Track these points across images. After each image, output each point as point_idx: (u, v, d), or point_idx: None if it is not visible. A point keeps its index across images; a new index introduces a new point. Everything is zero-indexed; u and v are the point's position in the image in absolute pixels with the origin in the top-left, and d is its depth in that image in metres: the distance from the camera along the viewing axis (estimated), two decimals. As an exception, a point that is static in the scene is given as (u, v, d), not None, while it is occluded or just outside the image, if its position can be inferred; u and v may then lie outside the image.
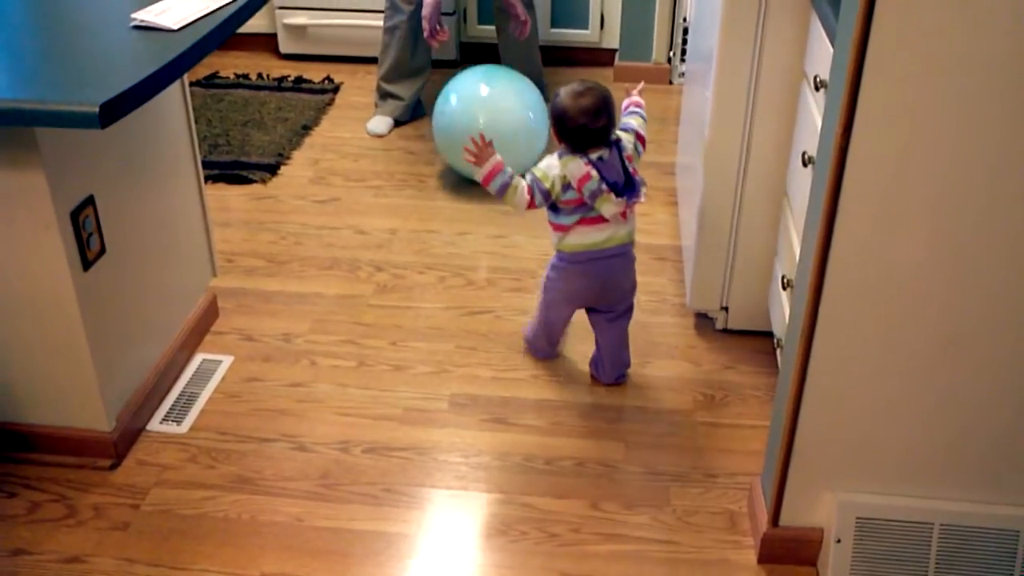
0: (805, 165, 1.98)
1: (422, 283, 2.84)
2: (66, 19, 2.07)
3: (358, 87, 4.10)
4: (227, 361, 2.51)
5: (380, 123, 3.74)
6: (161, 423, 2.31)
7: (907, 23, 1.43)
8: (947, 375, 1.71)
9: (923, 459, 1.80)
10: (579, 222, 2.22)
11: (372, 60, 3.88)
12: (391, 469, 2.19)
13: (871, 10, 1.43)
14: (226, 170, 3.41)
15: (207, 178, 2.90)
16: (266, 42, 4.40)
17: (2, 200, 1.89)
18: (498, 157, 2.22)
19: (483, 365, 2.51)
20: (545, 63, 3.85)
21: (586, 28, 4.24)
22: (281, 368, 2.50)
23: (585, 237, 2.24)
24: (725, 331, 2.62)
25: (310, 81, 4.14)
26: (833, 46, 1.67)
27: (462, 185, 3.31)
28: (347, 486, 2.14)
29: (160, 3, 2.02)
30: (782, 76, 2.24)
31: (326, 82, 4.14)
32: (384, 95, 3.76)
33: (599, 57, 4.24)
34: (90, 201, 2.00)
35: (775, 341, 2.33)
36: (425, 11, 3.38)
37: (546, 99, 3.20)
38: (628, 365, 2.46)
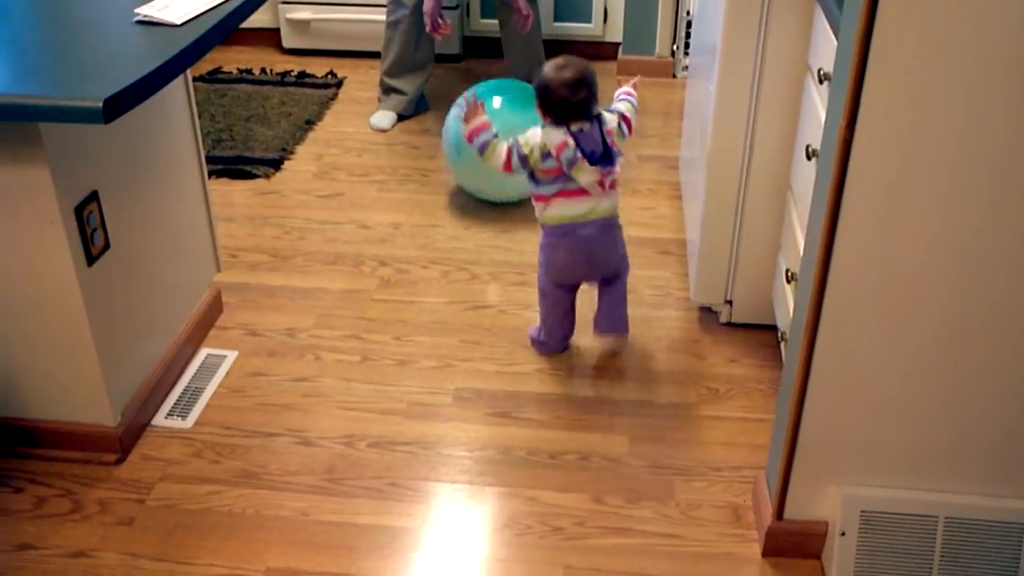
0: (809, 158, 1.97)
1: (426, 278, 2.84)
2: (70, 14, 2.07)
3: (361, 82, 4.10)
4: (231, 356, 2.52)
5: (383, 118, 3.73)
6: (166, 418, 2.31)
7: (911, 15, 1.43)
8: (952, 368, 1.70)
9: (928, 452, 1.79)
10: (559, 193, 2.29)
11: (375, 55, 3.87)
12: (396, 463, 2.19)
13: (875, 2, 1.42)
14: (230, 165, 3.41)
15: (211, 173, 2.89)
16: (269, 37, 4.40)
17: (6, 195, 1.89)
18: (485, 118, 2.33)
19: (487, 359, 2.51)
20: (548, 57, 3.82)
21: (589, 22, 4.24)
22: (285, 363, 2.50)
23: (565, 209, 2.30)
24: (729, 325, 2.61)
25: (313, 76, 4.14)
26: (837, 39, 1.67)
27: (466, 179, 3.31)
28: (352, 480, 2.14)
29: (163, -2, 2.02)
30: (786, 69, 2.24)
31: (329, 77, 4.14)
32: (387, 90, 3.75)
33: (602, 51, 4.23)
34: (94, 196, 2.01)
35: (779, 335, 2.33)
36: (426, 6, 3.38)
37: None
38: (626, 323, 2.45)
